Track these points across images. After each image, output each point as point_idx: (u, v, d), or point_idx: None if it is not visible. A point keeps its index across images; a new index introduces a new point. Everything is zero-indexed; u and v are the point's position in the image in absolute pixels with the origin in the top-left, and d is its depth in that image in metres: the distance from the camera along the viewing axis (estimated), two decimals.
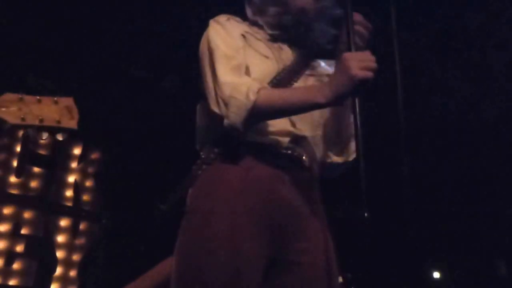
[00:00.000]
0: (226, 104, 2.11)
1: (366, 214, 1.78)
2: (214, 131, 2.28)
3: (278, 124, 2.24)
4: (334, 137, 2.40)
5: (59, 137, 2.26)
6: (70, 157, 6.39)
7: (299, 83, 2.38)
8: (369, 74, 1.93)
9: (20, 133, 5.85)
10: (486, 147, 5.98)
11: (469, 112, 5.93)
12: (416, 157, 5.42)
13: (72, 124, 2.23)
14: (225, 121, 2.10)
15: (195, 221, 2.12)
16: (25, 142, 5.92)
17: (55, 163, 6.18)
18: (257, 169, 2.17)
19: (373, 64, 1.94)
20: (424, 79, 5.65)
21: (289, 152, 2.23)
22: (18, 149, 5.99)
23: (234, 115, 2.09)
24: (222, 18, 2.39)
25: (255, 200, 2.10)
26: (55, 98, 2.16)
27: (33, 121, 2.13)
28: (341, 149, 2.40)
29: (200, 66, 2.34)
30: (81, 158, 6.42)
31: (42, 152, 6.11)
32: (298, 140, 2.27)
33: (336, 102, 2.06)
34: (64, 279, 6.04)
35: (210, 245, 2.03)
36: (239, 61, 2.25)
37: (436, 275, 7.19)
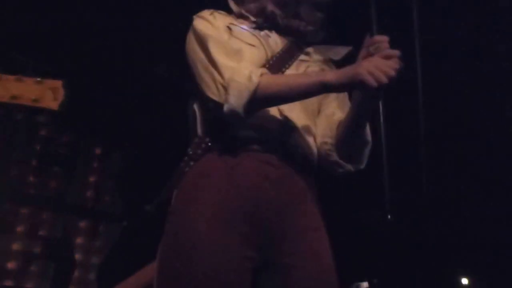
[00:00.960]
0: (225, 88, 2.04)
1: (389, 217, 1.68)
2: (203, 125, 2.24)
3: (267, 117, 2.17)
4: (348, 146, 2.27)
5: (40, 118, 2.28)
6: (91, 157, 6.37)
7: (290, 70, 2.33)
8: (374, 83, 1.88)
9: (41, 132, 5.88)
10: None
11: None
12: (442, 159, 5.33)
13: (53, 105, 2.24)
14: (225, 106, 2.02)
15: (176, 224, 2.07)
16: (45, 141, 5.92)
17: (75, 163, 6.18)
18: (243, 167, 2.10)
19: (384, 78, 1.88)
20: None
21: (279, 147, 2.15)
22: (38, 148, 5.96)
23: (235, 99, 2.01)
24: (206, 13, 2.35)
25: (240, 201, 2.03)
26: (40, 79, 2.20)
27: (3, 98, 2.16)
28: (354, 157, 2.29)
29: (189, 62, 2.29)
30: (102, 158, 6.41)
31: (62, 151, 6.10)
32: (288, 132, 2.20)
33: (339, 86, 2.01)
34: (82, 282, 6.01)
35: (189, 249, 1.97)
36: (234, 48, 2.20)
37: (465, 281, 7.14)
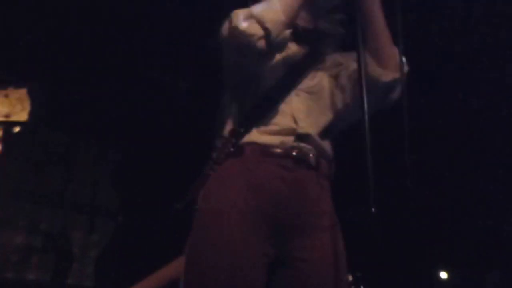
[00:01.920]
0: (256, 15, 2.15)
1: (373, 210, 1.81)
2: (227, 130, 2.36)
3: (281, 123, 2.32)
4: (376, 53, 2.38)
5: (15, 130, 2.23)
6: (88, 155, 6.44)
7: (307, 79, 2.45)
8: None
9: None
10: (497, 144, 6.05)
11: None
12: (425, 153, 5.42)
13: (23, 116, 2.20)
14: (268, 24, 2.12)
15: (202, 222, 2.22)
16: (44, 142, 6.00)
17: (73, 162, 6.26)
18: (261, 170, 2.24)
19: None
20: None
21: (294, 152, 2.29)
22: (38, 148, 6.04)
23: (269, 12, 2.15)
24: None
25: (258, 200, 2.19)
26: (6, 91, 2.16)
27: None
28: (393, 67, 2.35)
29: (223, 42, 2.39)
30: (98, 157, 6.49)
31: (60, 150, 6.20)
32: (302, 138, 2.33)
33: None
34: (80, 274, 6.11)
35: (215, 244, 2.13)
36: None
37: (443, 275, 7.15)
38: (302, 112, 2.37)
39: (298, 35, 2.45)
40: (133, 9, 5.28)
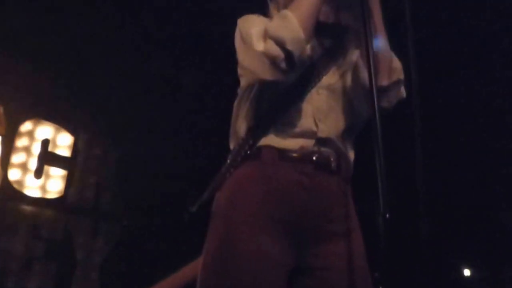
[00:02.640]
0: (275, 36, 2.11)
1: (387, 216, 1.76)
2: (244, 131, 2.34)
3: (302, 125, 2.28)
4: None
5: None
6: (91, 157, 6.41)
7: (328, 76, 2.39)
8: None
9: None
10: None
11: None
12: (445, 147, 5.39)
13: (1, 131, 2.25)
14: (287, 44, 2.09)
15: (220, 227, 2.20)
16: (44, 143, 6.00)
17: (75, 164, 6.24)
18: (280, 177, 2.21)
19: None
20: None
21: (314, 157, 2.26)
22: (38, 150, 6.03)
23: (287, 31, 2.11)
24: (251, 15, 2.40)
25: (279, 208, 2.16)
26: None
27: None
28: (384, 73, 2.31)
29: (238, 57, 2.36)
30: (101, 159, 6.47)
31: (62, 152, 6.17)
32: (323, 141, 2.30)
33: None
34: (84, 280, 6.10)
35: (233, 251, 2.11)
36: None
37: (467, 272, 7.15)
38: (323, 112, 2.33)
39: (318, 30, 2.37)
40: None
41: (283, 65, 2.11)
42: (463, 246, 6.23)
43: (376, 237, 1.82)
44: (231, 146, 2.41)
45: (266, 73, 2.16)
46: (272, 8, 2.51)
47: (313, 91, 2.34)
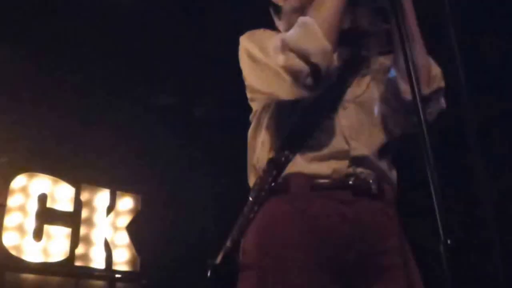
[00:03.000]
0: (297, 48, 2.06)
1: (449, 242, 1.68)
2: (265, 161, 2.30)
3: (331, 145, 2.25)
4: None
5: None
6: (96, 209, 6.37)
7: (353, 87, 2.38)
8: None
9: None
10: None
11: None
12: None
13: None
14: (312, 57, 2.05)
15: (253, 280, 2.13)
16: (41, 199, 5.95)
17: (80, 219, 6.18)
18: (315, 209, 2.17)
19: None
20: None
21: (351, 181, 2.22)
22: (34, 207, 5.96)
23: (311, 42, 2.07)
24: (255, 30, 2.40)
25: (317, 248, 2.11)
26: None
27: None
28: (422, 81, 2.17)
29: (245, 80, 2.38)
30: (109, 209, 6.43)
31: (62, 207, 6.11)
32: (358, 161, 2.25)
33: None
34: None
35: None
36: None
37: None
38: (353, 128, 2.30)
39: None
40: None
41: (308, 81, 2.07)
42: None
43: (438, 268, 1.75)
44: (251, 183, 2.39)
45: (288, 92, 2.13)
46: (278, 21, 2.55)
47: (339, 105, 2.33)
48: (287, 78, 2.07)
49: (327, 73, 2.09)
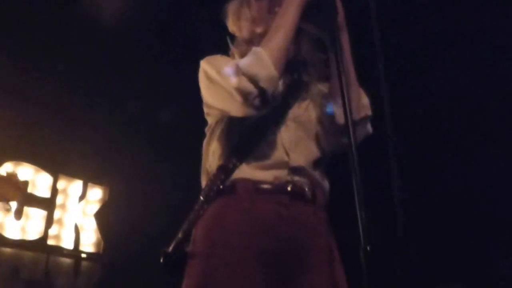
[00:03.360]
0: (248, 73, 2.08)
1: (368, 248, 1.71)
2: (216, 166, 2.31)
3: (273, 156, 2.28)
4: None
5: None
6: (70, 196, 6.33)
7: (294, 108, 2.41)
8: None
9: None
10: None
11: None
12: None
13: (16, 198, 2.64)
14: (261, 82, 2.07)
15: (199, 267, 2.15)
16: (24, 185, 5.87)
17: (54, 204, 6.13)
18: (257, 210, 2.19)
19: None
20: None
21: (289, 188, 2.25)
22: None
23: (261, 69, 2.09)
24: (214, 55, 2.40)
25: (257, 241, 2.13)
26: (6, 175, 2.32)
27: None
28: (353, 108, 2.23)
29: (207, 99, 2.38)
30: (81, 198, 6.39)
31: (41, 193, 6.05)
32: (296, 171, 2.29)
33: None
34: None
35: None
36: None
37: None
38: (292, 143, 2.33)
39: None
40: None
41: (256, 101, 2.11)
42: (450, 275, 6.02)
43: (359, 271, 1.74)
44: (203, 184, 2.40)
45: (238, 110, 2.18)
46: (233, 49, 2.55)
47: (281, 123, 2.36)
48: (238, 98, 2.10)
49: (272, 96, 2.13)
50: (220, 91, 2.18)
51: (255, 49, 2.17)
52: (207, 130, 2.48)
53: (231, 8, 2.61)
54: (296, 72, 2.51)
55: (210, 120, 2.48)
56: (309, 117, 2.45)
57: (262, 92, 2.08)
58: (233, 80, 2.10)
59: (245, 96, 2.08)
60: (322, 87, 2.52)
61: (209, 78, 2.25)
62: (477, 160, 5.90)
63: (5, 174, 2.39)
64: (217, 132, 2.39)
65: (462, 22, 5.30)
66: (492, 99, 5.65)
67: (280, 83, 2.21)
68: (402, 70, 5.14)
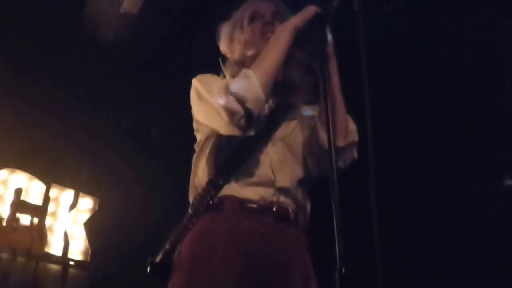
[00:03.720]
0: (236, 94, 2.12)
1: (343, 270, 1.75)
2: (205, 181, 2.35)
3: (260, 175, 2.32)
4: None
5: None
6: (61, 205, 6.37)
7: (281, 129, 2.47)
8: (318, 9, 2.25)
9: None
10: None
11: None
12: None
13: (41, 251, 2.32)
14: (247, 103, 2.11)
15: (181, 280, 2.19)
16: (17, 192, 5.91)
17: (46, 212, 6.16)
18: (241, 227, 2.23)
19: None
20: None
21: (274, 208, 2.29)
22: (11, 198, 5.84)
23: (249, 90, 2.14)
24: (206, 74, 2.45)
25: (239, 259, 2.16)
26: (29, 225, 2.28)
27: (6, 251, 2.27)
28: (340, 134, 2.34)
29: (197, 116, 2.43)
30: (71, 207, 6.43)
31: (33, 201, 6.06)
32: (281, 191, 2.33)
33: (303, 24, 2.28)
34: None
35: None
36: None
37: None
38: (279, 162, 2.38)
39: None
40: None
41: (242, 122, 2.14)
42: None
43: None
44: (191, 199, 2.43)
45: (224, 129, 2.21)
46: (224, 70, 2.60)
47: (269, 142, 2.41)
48: (225, 117, 2.13)
49: (258, 118, 2.16)
50: (209, 109, 2.22)
51: (245, 71, 2.22)
52: (197, 146, 2.51)
53: (224, 30, 2.67)
54: (285, 94, 2.56)
55: (200, 136, 2.50)
56: (296, 138, 2.50)
57: (248, 113, 2.11)
58: (222, 99, 2.13)
59: (231, 115, 2.11)
60: (310, 110, 2.57)
61: (199, 95, 2.29)
62: (459, 186, 5.99)
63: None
64: (207, 148, 2.42)
65: (451, 50, 5.36)
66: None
67: (267, 105, 2.23)
68: (388, 96, 5.21)
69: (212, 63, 2.66)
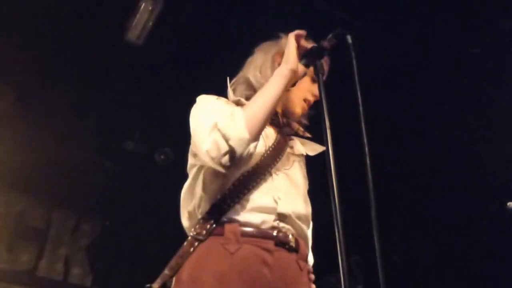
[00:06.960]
0: (222, 131, 2.10)
1: None
2: (206, 207, 2.29)
3: (264, 201, 2.26)
4: None
5: None
6: (63, 229, 6.32)
7: (282, 162, 2.42)
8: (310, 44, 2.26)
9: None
10: None
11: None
12: None
13: None
14: (231, 141, 2.09)
15: None
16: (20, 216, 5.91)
17: (47, 236, 6.11)
18: (243, 252, 2.16)
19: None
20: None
21: (275, 234, 2.23)
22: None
23: (234, 128, 2.11)
24: (211, 95, 2.42)
25: (239, 284, 2.09)
26: None
27: None
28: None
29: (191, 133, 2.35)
30: (73, 231, 6.38)
31: (35, 225, 6.05)
32: (282, 217, 2.28)
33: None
34: None
35: None
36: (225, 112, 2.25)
37: None
38: (281, 191, 2.33)
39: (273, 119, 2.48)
40: None
41: (224, 159, 2.10)
42: None
43: None
44: (185, 224, 2.41)
45: (208, 162, 2.16)
46: (230, 91, 2.55)
47: (272, 171, 2.36)
48: (210, 152, 2.11)
49: (241, 157, 2.12)
50: (200, 138, 2.19)
51: (235, 109, 2.21)
52: (189, 169, 2.45)
53: (262, 49, 2.66)
54: (284, 126, 2.56)
55: (195, 161, 2.43)
56: (296, 172, 2.48)
57: (231, 150, 2.08)
58: (210, 133, 2.12)
59: (216, 150, 2.09)
60: (302, 148, 2.58)
61: (194, 122, 2.28)
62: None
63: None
64: (207, 174, 2.35)
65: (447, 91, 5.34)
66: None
67: (253, 145, 2.17)
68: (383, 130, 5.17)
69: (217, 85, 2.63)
